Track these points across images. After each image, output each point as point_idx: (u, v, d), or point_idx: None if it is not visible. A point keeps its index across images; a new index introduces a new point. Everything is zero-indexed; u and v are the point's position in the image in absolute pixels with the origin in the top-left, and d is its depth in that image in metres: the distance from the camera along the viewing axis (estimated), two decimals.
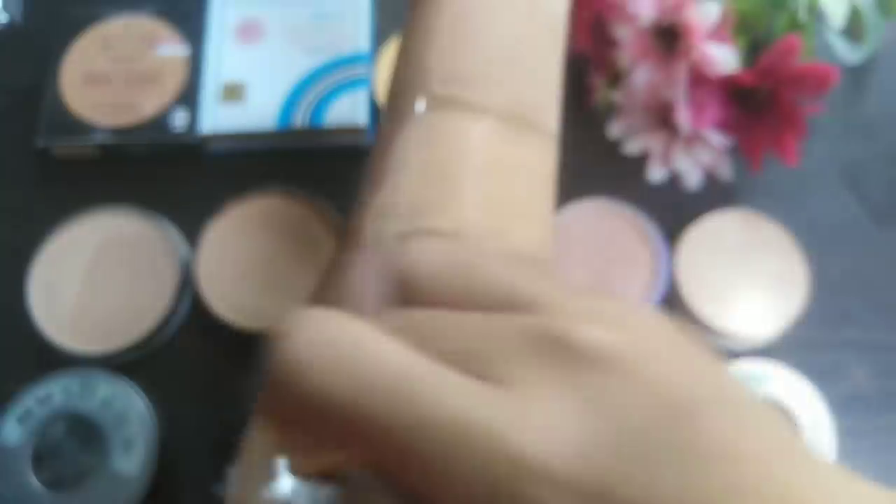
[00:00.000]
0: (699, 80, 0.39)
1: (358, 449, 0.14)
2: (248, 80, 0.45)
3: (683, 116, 0.40)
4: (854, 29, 0.45)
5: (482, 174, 0.25)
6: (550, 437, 0.13)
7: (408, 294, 0.17)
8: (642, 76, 0.40)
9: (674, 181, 0.44)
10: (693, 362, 0.15)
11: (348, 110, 0.44)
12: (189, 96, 0.45)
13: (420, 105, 0.26)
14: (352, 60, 0.45)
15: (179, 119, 0.44)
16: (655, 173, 0.44)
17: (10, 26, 0.50)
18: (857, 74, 0.48)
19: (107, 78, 0.46)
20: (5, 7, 0.50)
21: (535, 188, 0.28)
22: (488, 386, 0.14)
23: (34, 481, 0.37)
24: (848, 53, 0.46)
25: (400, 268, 0.17)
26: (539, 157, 0.28)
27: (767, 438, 0.14)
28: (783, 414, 0.38)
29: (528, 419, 0.13)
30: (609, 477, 0.13)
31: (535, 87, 0.28)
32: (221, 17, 0.47)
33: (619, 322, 0.15)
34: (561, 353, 0.14)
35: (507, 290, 0.16)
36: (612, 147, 0.45)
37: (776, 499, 0.12)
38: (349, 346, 0.14)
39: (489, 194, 0.25)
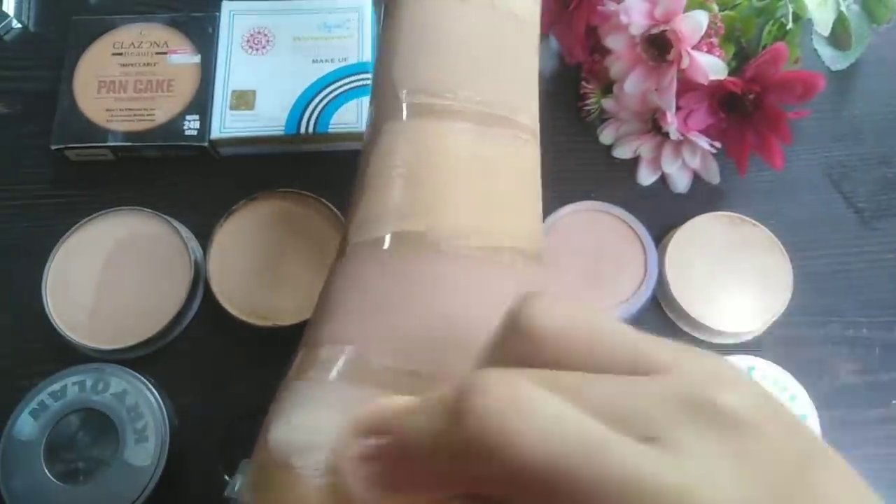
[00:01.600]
0: (688, 87, 0.40)
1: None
2: (257, 88, 0.46)
3: (672, 122, 0.41)
4: (840, 36, 0.46)
5: (458, 176, 0.26)
6: (723, 496, 0.14)
7: (525, 349, 0.16)
8: (633, 84, 0.41)
9: (663, 184, 0.45)
10: (789, 418, 0.16)
11: (353, 117, 0.45)
12: (200, 103, 0.46)
13: (392, 123, 0.27)
14: (356, 69, 0.46)
15: (191, 124, 0.46)
16: (646, 177, 0.45)
17: (24, 33, 0.51)
18: (842, 79, 0.49)
19: (120, 84, 0.47)
20: (18, 15, 0.51)
21: (517, 183, 0.28)
22: (659, 449, 0.14)
23: (48, 474, 0.37)
24: (834, 60, 0.47)
25: (518, 323, 0.16)
26: (517, 152, 0.28)
27: (848, 482, 0.16)
28: None
29: (703, 478, 0.14)
30: None
31: (506, 83, 0.28)
32: (231, 27, 0.48)
33: (741, 384, 0.16)
34: (710, 416, 0.15)
35: (633, 354, 0.16)
36: (605, 151, 0.46)
37: None
38: (551, 418, 0.14)
39: (468, 194, 0.26)
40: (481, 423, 0.14)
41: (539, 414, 0.14)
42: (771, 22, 0.42)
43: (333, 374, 0.23)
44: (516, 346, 0.16)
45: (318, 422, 0.23)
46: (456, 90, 0.27)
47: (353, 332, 0.24)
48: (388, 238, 0.25)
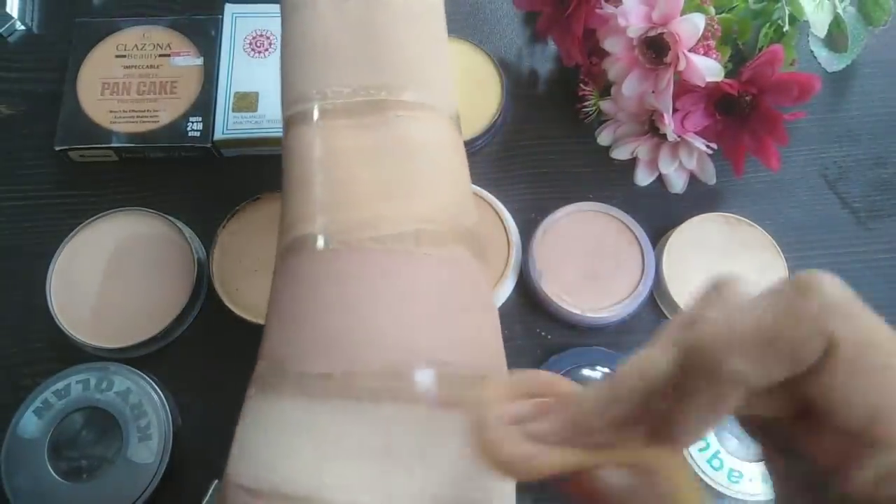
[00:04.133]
0: (685, 89, 0.41)
1: None
2: (260, 90, 0.46)
3: (670, 124, 0.41)
4: (836, 38, 0.47)
5: (345, 171, 0.26)
6: None
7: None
8: (631, 86, 0.41)
9: (661, 185, 0.46)
10: None
11: None
12: (203, 104, 0.46)
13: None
14: None
15: (194, 126, 0.46)
16: (643, 177, 0.45)
17: (28, 35, 0.51)
18: (838, 81, 0.49)
19: (123, 86, 0.47)
20: (22, 17, 0.52)
21: (415, 162, 0.27)
22: None
23: (51, 472, 0.38)
24: (830, 62, 0.48)
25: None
26: (405, 132, 0.28)
27: None
28: None
29: None
30: None
31: (377, 66, 0.28)
32: (233, 30, 0.48)
33: None
34: None
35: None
36: (603, 153, 0.46)
37: None
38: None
39: (356, 187, 0.26)
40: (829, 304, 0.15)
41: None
42: (767, 24, 0.42)
43: (263, 391, 0.25)
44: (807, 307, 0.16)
45: (266, 447, 0.24)
46: (324, 89, 0.28)
47: (273, 344, 0.26)
48: (287, 247, 0.26)
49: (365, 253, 0.25)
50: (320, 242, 0.26)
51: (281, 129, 0.46)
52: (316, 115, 0.28)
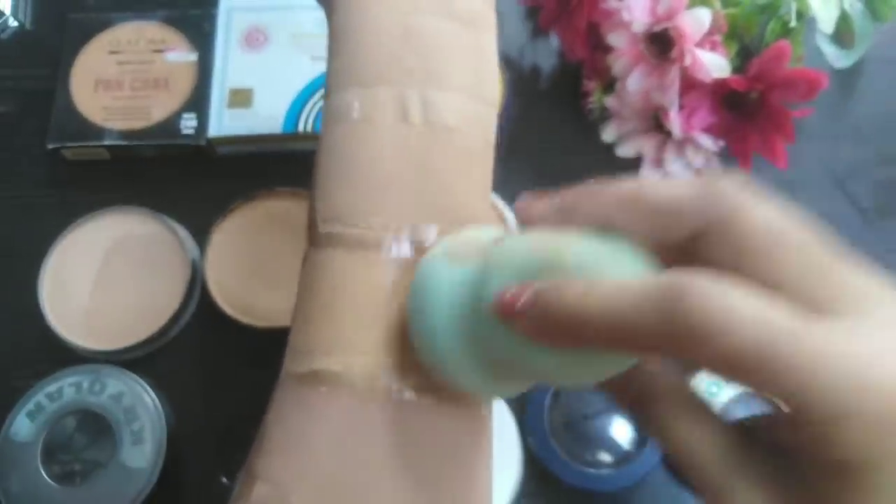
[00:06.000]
0: (691, 85, 0.40)
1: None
2: (255, 86, 0.46)
3: (675, 120, 0.41)
4: (843, 34, 0.46)
5: (374, 308, 0.25)
6: (877, 361, 0.15)
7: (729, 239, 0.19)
8: (635, 81, 0.41)
9: None
10: None
11: None
12: (197, 101, 0.46)
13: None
14: None
15: (188, 123, 0.45)
16: (648, 176, 0.45)
17: (20, 32, 0.51)
18: (846, 78, 0.48)
19: (117, 83, 0.47)
20: (15, 13, 0.51)
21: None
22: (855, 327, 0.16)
23: (44, 476, 0.37)
24: (837, 58, 0.47)
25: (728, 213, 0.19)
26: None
27: None
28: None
29: (856, 343, 0.16)
30: None
31: (426, 202, 0.27)
32: (228, 25, 0.48)
33: None
34: None
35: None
36: (607, 150, 0.46)
37: None
38: (757, 309, 0.16)
39: (387, 328, 0.25)
40: (702, 315, 0.16)
41: (748, 307, 0.16)
42: (774, 20, 0.42)
43: None
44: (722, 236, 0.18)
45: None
46: (369, 218, 0.26)
47: (278, 472, 0.24)
48: (305, 376, 0.25)
49: (387, 403, 0.24)
50: (342, 381, 0.24)
51: (275, 127, 0.46)
52: (355, 241, 0.26)
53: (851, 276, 0.18)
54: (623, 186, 0.20)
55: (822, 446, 0.16)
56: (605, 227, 0.20)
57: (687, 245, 0.19)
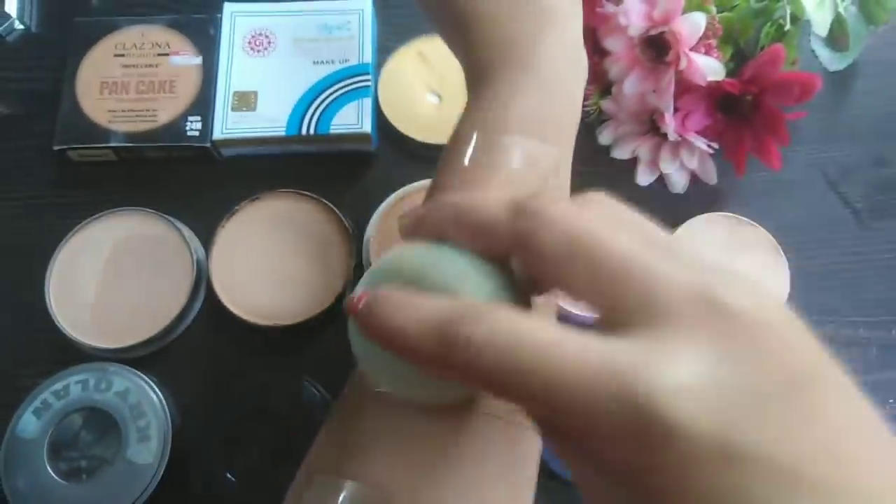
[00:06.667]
0: (686, 88, 0.41)
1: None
2: (259, 89, 0.46)
3: (671, 123, 0.41)
4: (837, 37, 0.47)
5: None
6: (681, 381, 0.15)
7: (525, 226, 0.19)
8: (631, 85, 0.41)
9: (662, 185, 0.46)
10: (810, 341, 0.17)
11: (354, 118, 0.45)
12: (202, 104, 0.46)
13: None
14: (357, 70, 0.46)
15: (193, 125, 0.46)
16: (644, 177, 0.45)
17: (26, 35, 0.51)
18: (840, 81, 0.49)
19: (122, 85, 0.47)
20: (21, 16, 0.51)
21: None
22: (629, 334, 0.16)
23: (51, 472, 0.38)
24: (831, 61, 0.48)
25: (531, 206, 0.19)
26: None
27: (857, 416, 0.16)
28: None
29: (661, 362, 0.15)
30: (725, 423, 0.15)
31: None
32: (232, 29, 0.48)
33: (761, 294, 0.17)
34: (716, 311, 0.16)
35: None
36: (603, 152, 0.46)
37: (850, 463, 0.15)
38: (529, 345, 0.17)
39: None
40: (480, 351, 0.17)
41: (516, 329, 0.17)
42: (769, 23, 0.42)
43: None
44: (520, 222, 0.19)
45: None
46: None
47: (377, 472, 0.24)
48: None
49: None
50: None
51: (279, 129, 0.46)
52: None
53: (642, 286, 0.17)
54: (452, 204, 0.22)
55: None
56: (442, 239, 0.21)
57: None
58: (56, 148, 0.46)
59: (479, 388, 0.19)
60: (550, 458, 0.39)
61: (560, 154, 0.29)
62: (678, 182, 0.45)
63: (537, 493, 0.39)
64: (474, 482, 0.24)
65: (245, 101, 0.46)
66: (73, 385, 0.39)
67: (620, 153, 0.45)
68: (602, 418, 0.15)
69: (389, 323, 0.19)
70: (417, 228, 0.22)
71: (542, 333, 0.16)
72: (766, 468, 0.14)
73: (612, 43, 0.41)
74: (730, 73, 0.41)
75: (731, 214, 0.44)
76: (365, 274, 0.23)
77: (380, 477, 0.24)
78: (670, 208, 0.45)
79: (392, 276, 0.21)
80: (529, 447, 0.26)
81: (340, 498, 0.23)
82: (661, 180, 0.46)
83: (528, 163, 0.28)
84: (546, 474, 0.39)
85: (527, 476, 0.26)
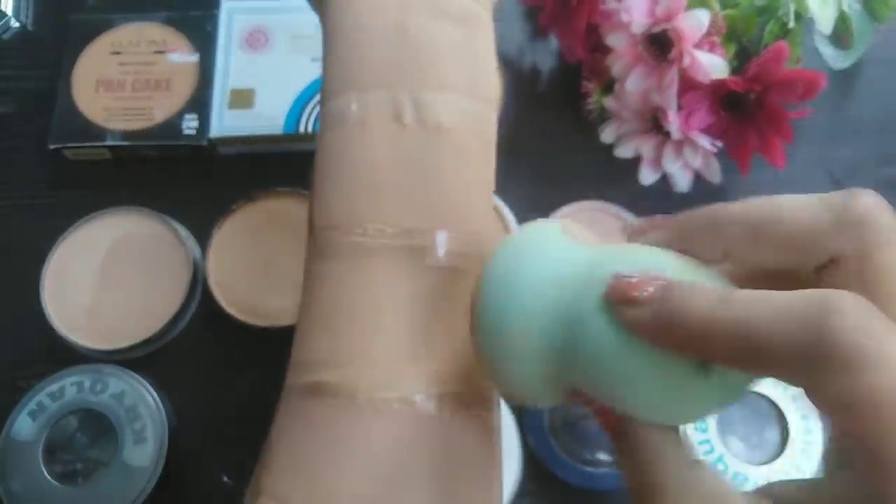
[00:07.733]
0: (689, 85, 0.40)
1: None
2: (256, 87, 0.46)
3: (674, 121, 0.41)
4: (841, 35, 0.46)
5: (373, 320, 0.25)
6: None
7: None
8: (634, 82, 0.41)
9: (665, 183, 0.45)
10: None
11: None
12: (198, 102, 0.46)
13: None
14: None
15: (189, 123, 0.46)
16: (647, 176, 0.45)
17: (22, 33, 0.51)
18: (844, 78, 0.49)
19: (118, 83, 0.47)
20: (16, 14, 0.51)
21: (447, 316, 0.26)
22: None
23: (46, 475, 0.37)
24: (835, 59, 0.47)
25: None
26: (442, 283, 0.26)
27: None
28: (773, 411, 0.39)
29: None
30: None
31: (424, 206, 0.26)
32: (230, 26, 0.48)
33: None
34: None
35: None
36: (606, 151, 0.46)
37: None
38: None
39: (386, 340, 0.25)
40: (844, 341, 0.14)
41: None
42: (772, 21, 0.42)
43: None
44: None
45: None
46: (365, 224, 0.26)
47: (283, 488, 0.24)
48: (307, 388, 0.25)
49: (380, 413, 0.24)
50: (342, 394, 0.24)
51: (276, 128, 0.46)
52: (353, 249, 0.26)
53: None
54: (752, 212, 0.19)
55: None
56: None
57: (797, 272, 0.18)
58: (51, 147, 0.45)
59: (826, 397, 0.16)
60: (551, 459, 0.39)
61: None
62: (682, 181, 0.44)
63: (538, 494, 0.39)
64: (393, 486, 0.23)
65: (242, 98, 0.46)
66: (68, 387, 0.39)
67: (623, 152, 0.45)
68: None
69: (714, 317, 0.16)
70: (689, 244, 0.20)
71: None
72: None
73: (614, 40, 0.41)
74: (733, 71, 0.41)
75: None
76: (606, 250, 0.20)
77: (280, 490, 0.23)
78: (674, 207, 0.44)
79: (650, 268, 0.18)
80: (471, 442, 0.24)
81: None
82: (665, 179, 0.45)
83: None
84: (546, 475, 0.39)
85: (465, 476, 0.24)
